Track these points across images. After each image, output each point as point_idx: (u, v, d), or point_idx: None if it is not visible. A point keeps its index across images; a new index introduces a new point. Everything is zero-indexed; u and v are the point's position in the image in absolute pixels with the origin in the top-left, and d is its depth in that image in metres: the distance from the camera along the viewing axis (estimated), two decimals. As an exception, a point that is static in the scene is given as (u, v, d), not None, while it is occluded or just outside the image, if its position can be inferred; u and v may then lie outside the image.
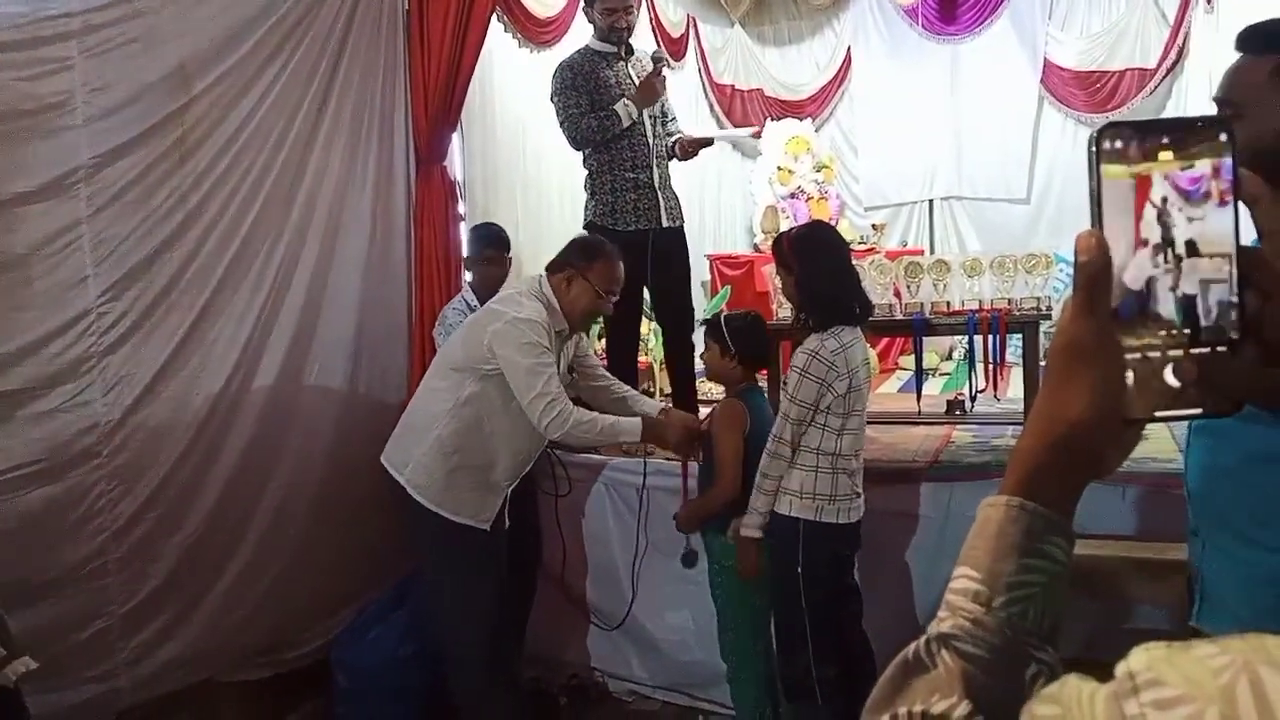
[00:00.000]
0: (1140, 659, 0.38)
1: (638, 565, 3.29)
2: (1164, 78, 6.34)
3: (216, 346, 2.92)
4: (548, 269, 2.70)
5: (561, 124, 3.59)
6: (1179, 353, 0.53)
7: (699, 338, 3.77)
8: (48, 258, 2.51)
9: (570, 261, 2.68)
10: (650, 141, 3.60)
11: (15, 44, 2.43)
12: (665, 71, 3.66)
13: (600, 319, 3.78)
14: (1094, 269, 0.52)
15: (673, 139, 3.72)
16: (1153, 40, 6.37)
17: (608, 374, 3.00)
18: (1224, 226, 0.53)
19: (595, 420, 2.59)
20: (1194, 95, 5.97)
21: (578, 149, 3.63)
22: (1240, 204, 0.53)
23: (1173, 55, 6.24)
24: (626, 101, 3.52)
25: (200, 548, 2.88)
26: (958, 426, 3.80)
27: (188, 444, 2.84)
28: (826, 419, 2.48)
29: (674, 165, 3.80)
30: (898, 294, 3.66)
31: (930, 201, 7.17)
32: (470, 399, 2.62)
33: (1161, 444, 2.94)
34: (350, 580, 3.42)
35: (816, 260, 2.55)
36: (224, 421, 2.95)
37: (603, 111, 3.53)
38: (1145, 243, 0.53)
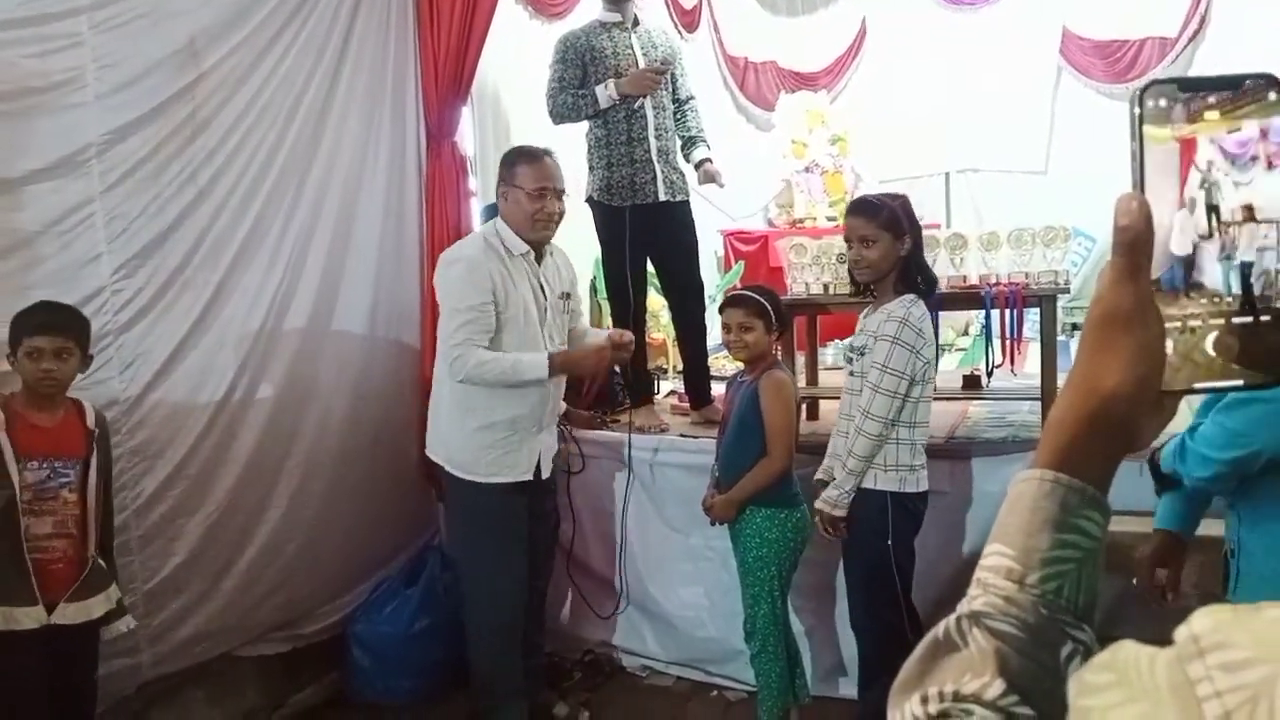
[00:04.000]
0: (1204, 621, 0.36)
1: (622, 550, 3.28)
2: (1185, 46, 6.21)
3: (233, 323, 2.92)
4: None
5: (546, 97, 3.56)
6: (1220, 322, 0.51)
7: (710, 315, 3.75)
8: (60, 235, 2.51)
9: (500, 179, 2.74)
10: (650, 116, 3.54)
11: (25, 20, 2.41)
12: (679, 51, 3.62)
13: (605, 295, 3.77)
14: (1135, 233, 0.50)
15: (697, 162, 3.69)
16: (1174, 7, 6.24)
17: (578, 311, 3.04)
18: (1273, 191, 0.51)
19: (497, 360, 2.62)
20: (1217, 64, 5.85)
21: (555, 123, 3.59)
22: None
23: (1194, 23, 6.12)
24: (611, 84, 3.45)
25: (222, 524, 2.90)
26: (974, 402, 3.77)
27: (207, 421, 2.85)
28: (911, 389, 2.46)
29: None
30: (914, 268, 3.62)
31: (946, 174, 7.08)
32: None
33: (1181, 420, 2.91)
34: (366, 556, 3.44)
35: (918, 227, 2.57)
36: (243, 399, 2.96)
37: (582, 90, 3.49)
38: (1189, 207, 0.51)
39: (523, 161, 2.69)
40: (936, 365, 3.77)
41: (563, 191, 2.74)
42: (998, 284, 3.38)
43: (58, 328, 2.24)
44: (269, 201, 3.01)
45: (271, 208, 3.02)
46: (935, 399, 3.69)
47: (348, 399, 3.30)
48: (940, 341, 4.14)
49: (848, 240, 2.56)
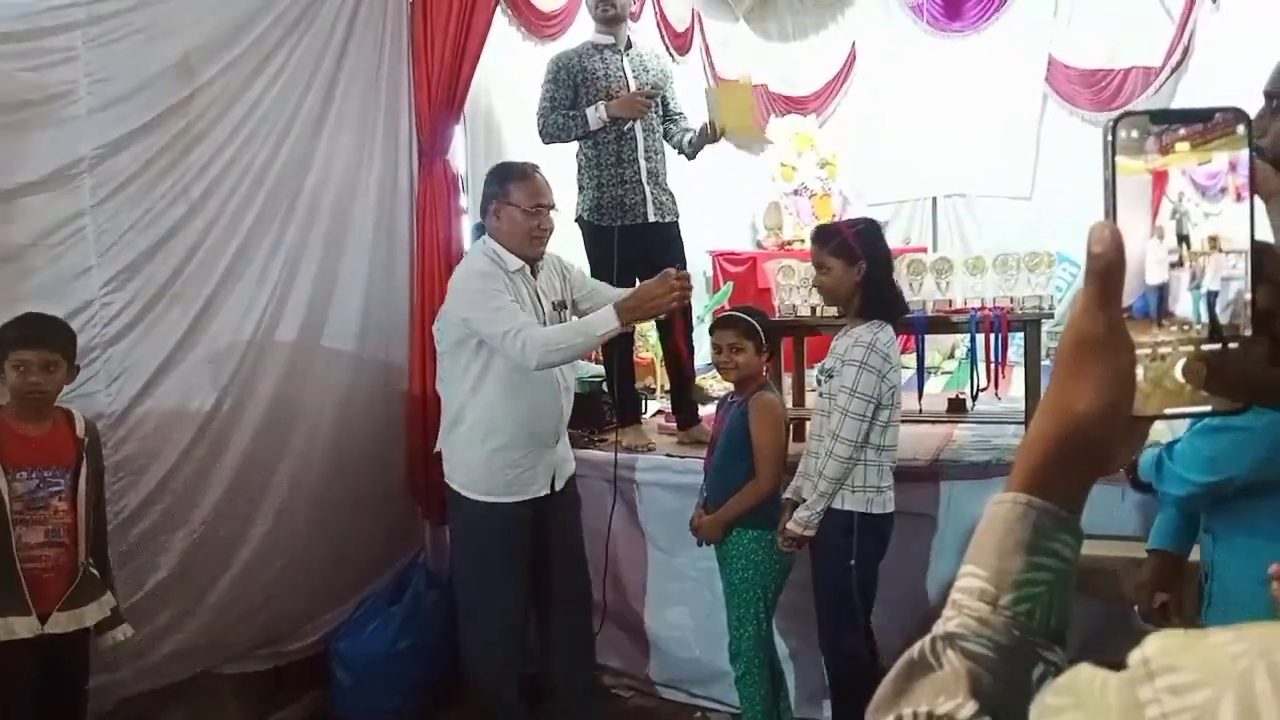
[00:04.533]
0: (1155, 645, 0.38)
1: (605, 569, 3.27)
2: (1169, 76, 6.31)
3: (222, 338, 2.92)
4: (481, 216, 2.74)
5: (536, 116, 3.59)
6: (1190, 350, 0.52)
7: (698, 335, 3.77)
8: (51, 248, 2.51)
9: (490, 196, 2.71)
10: (640, 137, 3.57)
11: (20, 34, 2.42)
12: (670, 74, 3.64)
13: None
14: (1107, 262, 0.51)
15: (685, 135, 3.68)
16: (1158, 38, 6.35)
17: (602, 289, 2.94)
18: (1240, 223, 0.52)
19: (564, 329, 2.57)
20: (1199, 94, 5.94)
21: (545, 143, 3.62)
22: (1255, 199, 0.53)
23: (1178, 54, 6.22)
24: (601, 106, 3.48)
25: (206, 540, 2.89)
26: (959, 425, 3.79)
27: (193, 436, 2.84)
28: (879, 412, 2.50)
29: (676, 162, 3.78)
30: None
31: (934, 198, 7.15)
32: (483, 378, 2.65)
33: (1156, 432, 2.94)
34: (350, 573, 3.42)
35: (879, 252, 2.60)
36: (231, 414, 2.95)
37: (572, 111, 3.51)
38: (1159, 237, 0.53)
39: (515, 179, 2.70)
40: (922, 388, 3.82)
41: (553, 206, 2.75)
42: (983, 308, 3.42)
43: (44, 340, 2.25)
44: (260, 217, 3.02)
45: (263, 223, 3.03)
46: (921, 422, 3.74)
47: (335, 416, 3.29)
48: (926, 364, 4.18)
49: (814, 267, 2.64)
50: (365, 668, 3.20)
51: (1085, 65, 6.67)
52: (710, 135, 3.53)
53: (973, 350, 3.50)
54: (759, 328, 2.77)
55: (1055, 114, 6.80)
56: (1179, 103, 6.28)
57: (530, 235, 2.67)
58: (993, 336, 3.44)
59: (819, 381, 2.68)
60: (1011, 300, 3.43)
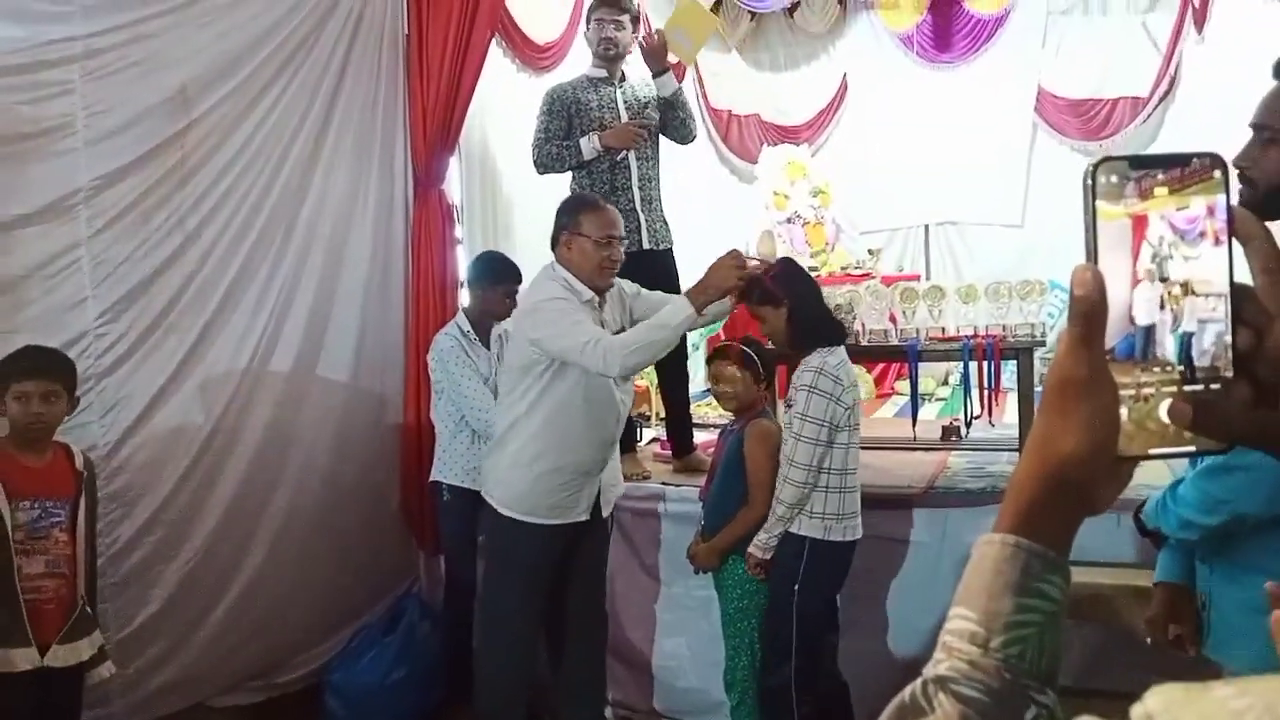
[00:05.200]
0: (1157, 700, 0.38)
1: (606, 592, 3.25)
2: (1156, 106, 6.39)
3: (216, 369, 2.92)
4: (551, 247, 2.72)
5: (531, 147, 3.62)
6: (1173, 390, 0.53)
7: (694, 363, 3.78)
8: (47, 279, 2.52)
9: (561, 227, 2.69)
10: (633, 166, 3.60)
11: (17, 68, 2.45)
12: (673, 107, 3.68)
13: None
14: (1090, 304, 0.52)
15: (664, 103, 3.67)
16: (1145, 69, 6.43)
17: (646, 295, 2.91)
18: (1219, 265, 0.53)
19: (638, 330, 2.52)
20: (1186, 124, 6.02)
21: (540, 173, 3.64)
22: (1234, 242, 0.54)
23: (1165, 84, 6.31)
24: (594, 136, 3.50)
25: (199, 573, 2.88)
26: (953, 452, 3.80)
27: (187, 467, 2.84)
28: (836, 435, 2.51)
29: (670, 190, 3.80)
30: (893, 319, 3.67)
31: (926, 226, 7.20)
32: (539, 401, 2.62)
33: (1157, 473, 2.94)
34: (344, 604, 3.40)
35: (800, 287, 2.66)
36: (225, 445, 2.95)
37: (566, 141, 3.55)
38: (1141, 280, 0.54)
39: (587, 210, 2.69)
40: (916, 414, 3.83)
41: (625, 238, 2.75)
42: (976, 335, 3.44)
43: (45, 371, 2.26)
44: (256, 247, 3.03)
45: (258, 254, 3.04)
46: (915, 449, 3.74)
47: (330, 446, 3.29)
48: (920, 391, 4.19)
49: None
50: (359, 699, 3.17)
51: (1074, 95, 6.75)
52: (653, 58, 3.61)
53: (965, 377, 3.51)
54: (755, 357, 2.78)
55: (1045, 143, 6.87)
56: (1168, 132, 6.36)
57: (601, 266, 2.65)
58: (986, 364, 3.45)
59: (784, 412, 2.71)
60: (1004, 328, 3.45)
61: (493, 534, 2.80)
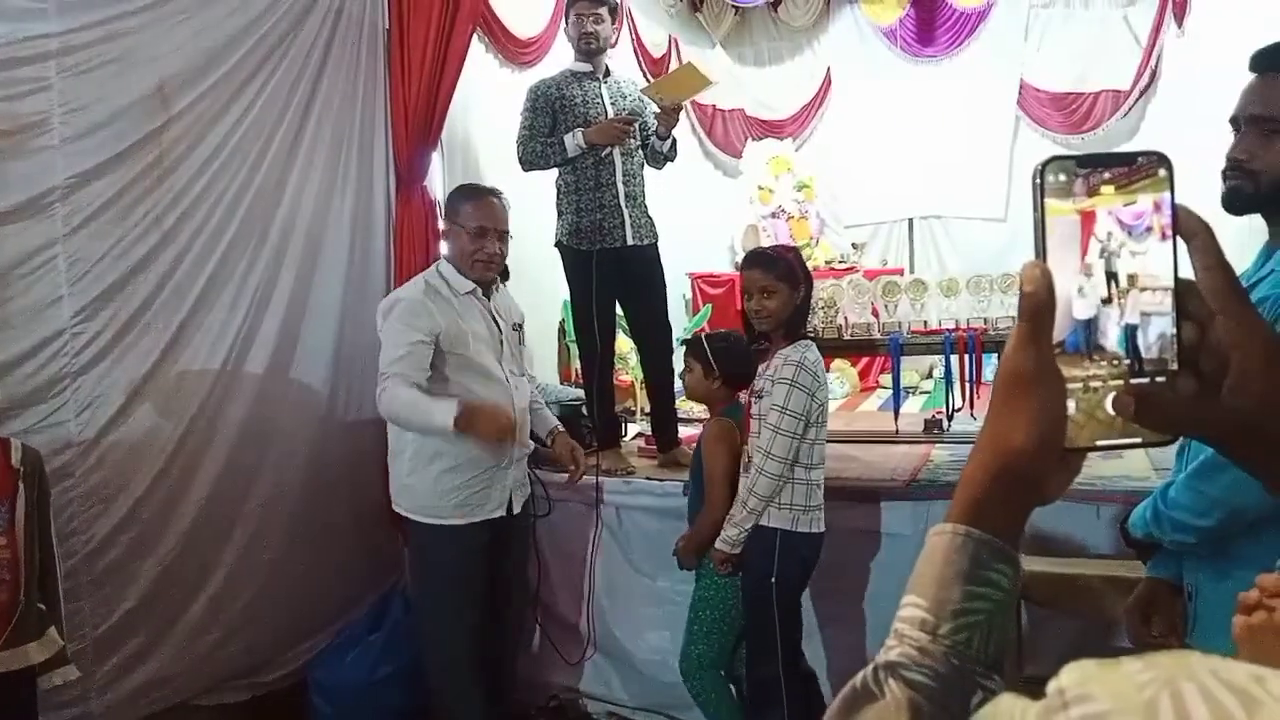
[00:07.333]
0: (1071, 675, 0.39)
1: (590, 594, 3.26)
2: (1137, 99, 6.43)
3: (193, 367, 2.91)
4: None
5: (516, 144, 3.62)
6: (1119, 384, 0.54)
7: (678, 358, 3.78)
8: (22, 278, 2.50)
9: (445, 216, 2.74)
10: (618, 162, 3.60)
11: (-9, 64, 2.42)
12: (648, 105, 3.67)
13: (574, 338, 3.80)
14: (1038, 300, 0.53)
15: (651, 141, 3.69)
16: (1126, 62, 6.47)
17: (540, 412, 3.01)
18: (1165, 260, 0.54)
19: (414, 403, 2.54)
20: (1167, 117, 6.06)
21: (524, 170, 3.64)
22: (1179, 238, 0.55)
23: (1145, 78, 6.34)
24: (579, 133, 3.49)
25: (176, 569, 2.86)
26: (936, 445, 3.82)
27: (163, 464, 2.82)
28: (807, 430, 2.52)
29: (654, 186, 3.80)
30: (875, 313, 3.69)
31: (910, 220, 7.23)
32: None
33: (1135, 463, 2.97)
34: (327, 601, 3.39)
35: (810, 280, 2.67)
36: (200, 442, 2.93)
37: (551, 138, 3.55)
38: (1089, 275, 0.54)
39: (467, 200, 2.69)
40: (898, 408, 3.85)
41: (506, 233, 2.71)
42: (957, 329, 3.46)
43: None
44: (233, 245, 3.02)
45: (236, 251, 3.03)
46: (898, 442, 3.76)
47: (310, 443, 3.28)
48: (903, 385, 4.21)
49: (747, 291, 2.62)
50: (345, 697, 3.17)
51: (1056, 89, 6.79)
52: (665, 118, 3.59)
53: (948, 370, 3.54)
54: (707, 350, 2.78)
55: (1028, 136, 6.90)
56: (1149, 126, 6.40)
57: (473, 258, 2.64)
58: (968, 357, 3.48)
59: (751, 404, 2.70)
60: (985, 321, 3.48)
61: (413, 545, 2.81)
